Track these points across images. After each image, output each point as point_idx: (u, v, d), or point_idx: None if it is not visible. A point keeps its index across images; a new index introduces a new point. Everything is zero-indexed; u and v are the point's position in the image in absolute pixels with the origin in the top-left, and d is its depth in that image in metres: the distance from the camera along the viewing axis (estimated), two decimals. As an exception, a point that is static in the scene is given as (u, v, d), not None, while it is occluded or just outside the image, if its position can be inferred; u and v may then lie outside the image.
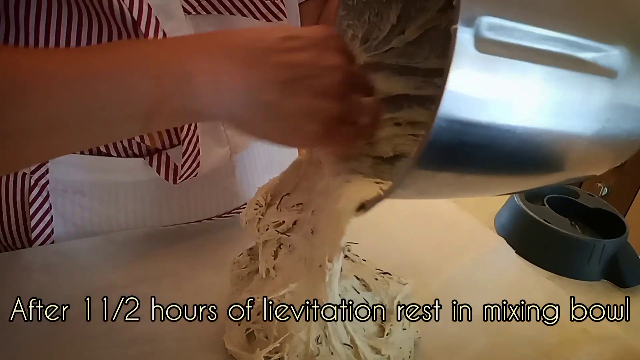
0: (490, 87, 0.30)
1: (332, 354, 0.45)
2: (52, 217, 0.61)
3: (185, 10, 0.54)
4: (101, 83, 0.35)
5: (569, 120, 0.33)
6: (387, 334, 0.49)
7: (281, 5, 0.60)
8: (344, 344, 0.46)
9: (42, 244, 0.61)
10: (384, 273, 0.54)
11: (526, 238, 0.70)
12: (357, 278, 0.51)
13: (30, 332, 0.48)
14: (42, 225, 0.61)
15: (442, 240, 0.69)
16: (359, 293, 0.49)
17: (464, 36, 0.28)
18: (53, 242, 0.61)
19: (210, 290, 0.55)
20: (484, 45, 0.28)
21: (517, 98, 0.31)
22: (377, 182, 0.41)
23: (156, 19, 0.50)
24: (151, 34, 0.49)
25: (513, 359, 0.52)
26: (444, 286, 0.61)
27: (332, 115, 0.39)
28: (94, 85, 0.35)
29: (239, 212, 0.67)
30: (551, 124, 0.32)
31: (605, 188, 1.58)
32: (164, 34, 0.50)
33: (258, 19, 0.59)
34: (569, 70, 0.32)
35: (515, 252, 0.69)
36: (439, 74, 0.42)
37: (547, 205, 0.72)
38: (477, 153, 0.31)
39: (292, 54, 0.38)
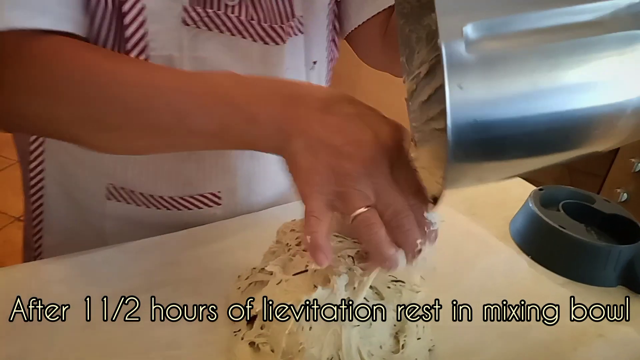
0: (497, 83, 0.30)
1: None
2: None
3: (184, 22, 0.56)
4: (188, 100, 0.46)
5: (592, 92, 0.31)
6: (403, 346, 0.49)
7: (279, 31, 0.62)
8: None
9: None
10: (397, 281, 0.54)
11: (541, 244, 0.69)
12: (370, 287, 0.51)
13: (47, 336, 0.49)
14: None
15: (456, 249, 0.69)
16: (368, 301, 0.49)
17: (451, 46, 0.29)
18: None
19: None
20: (475, 46, 0.29)
21: (530, 84, 0.30)
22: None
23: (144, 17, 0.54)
24: (132, 29, 0.54)
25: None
26: (459, 294, 0.60)
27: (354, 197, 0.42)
28: (183, 99, 0.46)
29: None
30: (575, 100, 0.31)
31: (625, 194, 1.56)
32: (144, 34, 0.55)
33: (256, 41, 0.61)
34: (578, 39, 0.30)
35: (531, 257, 0.69)
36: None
37: (562, 211, 0.71)
38: (510, 143, 0.32)
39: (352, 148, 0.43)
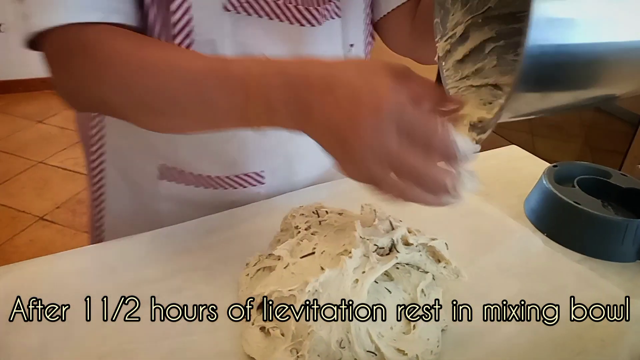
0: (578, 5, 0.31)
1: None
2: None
3: (225, 7, 0.59)
4: (212, 82, 0.47)
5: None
6: (414, 327, 0.48)
7: (315, 13, 0.64)
8: (368, 351, 0.45)
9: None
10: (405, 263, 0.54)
11: (557, 221, 0.68)
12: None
13: (65, 327, 0.50)
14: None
15: (470, 229, 0.69)
16: (377, 283, 0.49)
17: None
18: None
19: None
20: None
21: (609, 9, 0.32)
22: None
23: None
24: (178, 16, 0.56)
25: (547, 340, 0.52)
26: (475, 274, 0.60)
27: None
28: (207, 81, 0.47)
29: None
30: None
31: (647, 169, 1.53)
32: (189, 20, 0.57)
33: (293, 24, 0.63)
34: None
35: (546, 235, 0.68)
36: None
37: (577, 187, 0.70)
38: (579, 69, 0.33)
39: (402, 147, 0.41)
